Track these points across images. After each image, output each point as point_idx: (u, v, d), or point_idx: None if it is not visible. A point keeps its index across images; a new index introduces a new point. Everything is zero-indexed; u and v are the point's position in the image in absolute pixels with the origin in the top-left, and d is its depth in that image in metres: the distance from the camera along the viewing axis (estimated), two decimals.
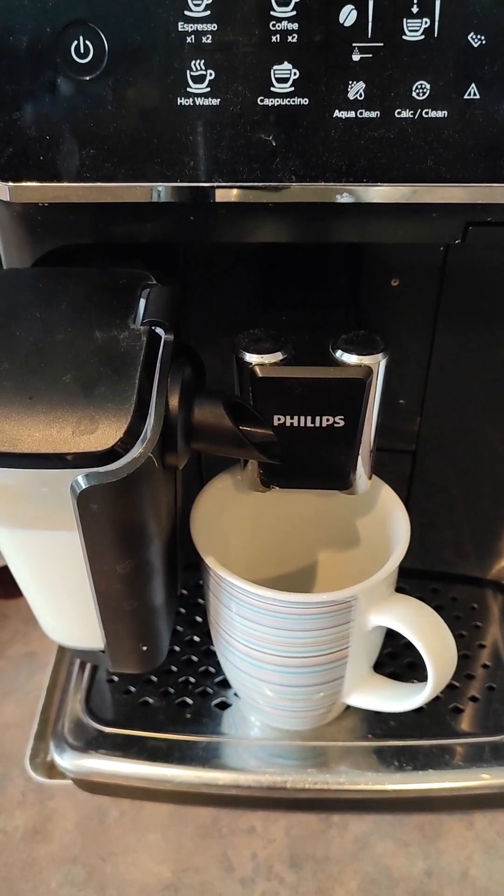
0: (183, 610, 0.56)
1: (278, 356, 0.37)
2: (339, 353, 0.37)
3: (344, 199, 0.32)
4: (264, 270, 0.43)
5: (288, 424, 0.38)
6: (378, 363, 0.37)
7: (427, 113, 0.31)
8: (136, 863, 0.46)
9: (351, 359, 0.37)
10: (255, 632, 0.42)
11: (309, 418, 0.37)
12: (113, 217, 0.36)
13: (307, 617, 0.40)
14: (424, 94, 0.30)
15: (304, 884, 0.45)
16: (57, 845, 0.47)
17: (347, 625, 0.41)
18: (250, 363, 0.37)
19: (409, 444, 0.50)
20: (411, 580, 0.56)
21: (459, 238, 0.36)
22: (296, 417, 0.38)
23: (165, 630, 0.40)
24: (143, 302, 0.34)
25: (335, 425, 0.38)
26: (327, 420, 0.37)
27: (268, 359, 0.37)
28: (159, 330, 0.33)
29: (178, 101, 0.31)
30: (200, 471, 0.49)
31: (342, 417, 0.37)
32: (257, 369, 0.37)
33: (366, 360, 0.36)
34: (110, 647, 0.39)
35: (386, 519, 0.46)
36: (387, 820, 0.48)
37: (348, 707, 0.48)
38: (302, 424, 0.38)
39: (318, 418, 0.37)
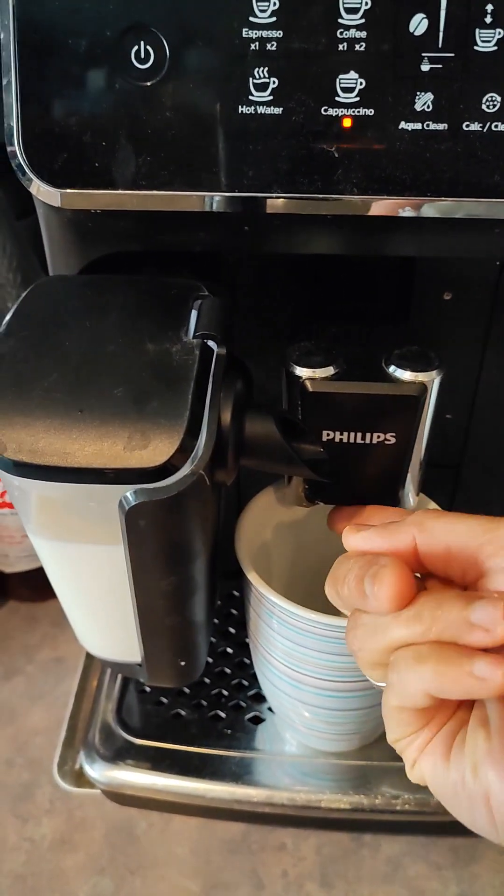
0: (216, 620, 0.56)
1: (329, 370, 0.36)
2: (392, 369, 0.36)
3: (406, 213, 0.31)
4: (313, 280, 0.42)
5: (337, 440, 0.37)
6: (432, 380, 0.35)
7: (497, 126, 0.30)
8: (164, 877, 0.45)
9: (405, 375, 0.35)
10: (296, 653, 0.41)
11: (359, 434, 0.37)
12: (165, 225, 0.35)
13: None
14: (495, 106, 0.29)
15: None
16: (84, 856, 0.47)
17: None
18: (301, 377, 0.36)
19: (454, 459, 0.49)
20: None
21: None
22: (346, 433, 0.37)
23: (204, 645, 0.39)
24: (194, 313, 0.34)
25: (386, 442, 0.37)
26: (378, 437, 0.36)
27: (319, 373, 0.36)
28: (211, 343, 0.33)
29: (240, 109, 0.30)
30: (238, 483, 0.48)
31: (393, 435, 0.36)
32: (308, 384, 0.36)
33: (420, 376, 0.35)
34: (148, 662, 0.38)
35: None
36: (419, 841, 0.47)
37: None
38: (352, 441, 0.37)
39: (368, 435, 0.36)
